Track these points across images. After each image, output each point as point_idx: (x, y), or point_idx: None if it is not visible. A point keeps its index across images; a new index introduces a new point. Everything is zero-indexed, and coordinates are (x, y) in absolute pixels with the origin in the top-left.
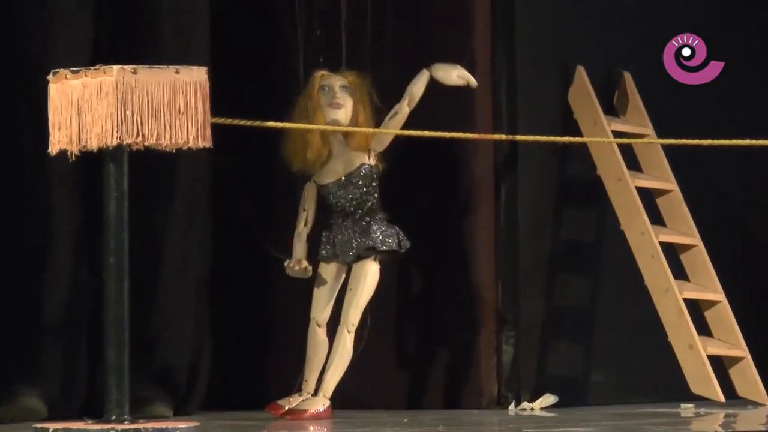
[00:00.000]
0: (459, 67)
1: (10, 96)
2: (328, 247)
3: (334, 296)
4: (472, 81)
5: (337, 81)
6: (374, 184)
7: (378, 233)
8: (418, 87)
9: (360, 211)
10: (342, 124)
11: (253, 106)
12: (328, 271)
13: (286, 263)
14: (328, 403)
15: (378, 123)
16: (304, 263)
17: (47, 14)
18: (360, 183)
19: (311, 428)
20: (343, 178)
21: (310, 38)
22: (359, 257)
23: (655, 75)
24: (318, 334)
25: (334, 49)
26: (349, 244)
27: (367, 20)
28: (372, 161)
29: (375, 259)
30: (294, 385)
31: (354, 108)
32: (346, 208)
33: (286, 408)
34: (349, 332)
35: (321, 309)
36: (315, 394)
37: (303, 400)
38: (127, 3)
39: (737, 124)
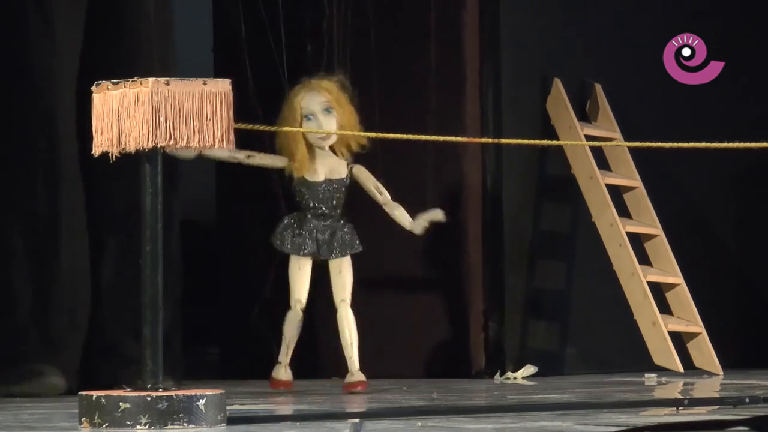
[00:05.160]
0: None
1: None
2: (312, 245)
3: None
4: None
5: (317, 105)
6: (346, 193)
7: (351, 237)
8: (396, 214)
9: (335, 214)
10: (331, 141)
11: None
12: (303, 261)
13: None
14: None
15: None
16: None
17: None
18: (337, 189)
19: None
20: (326, 181)
21: (299, 47)
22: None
23: (622, 84)
24: (300, 317)
25: (324, 60)
26: (332, 244)
27: (364, 43)
28: (349, 170)
29: None
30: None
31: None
32: (323, 210)
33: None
34: (348, 307)
35: (304, 292)
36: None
37: (351, 375)
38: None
39: (694, 126)
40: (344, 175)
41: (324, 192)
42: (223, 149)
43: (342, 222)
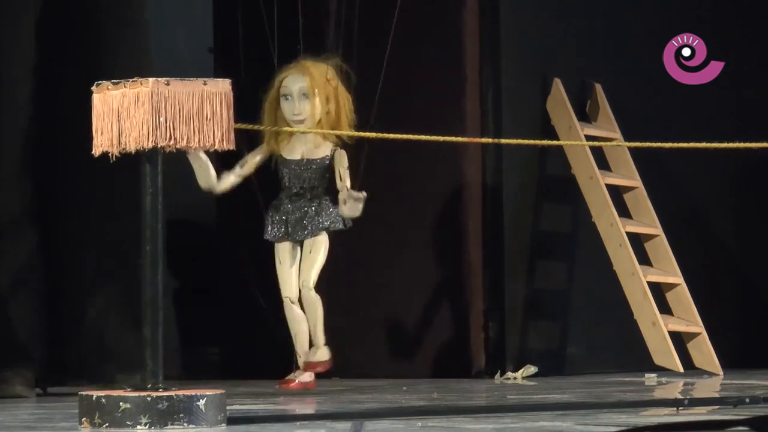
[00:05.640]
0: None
1: None
2: (282, 228)
3: (298, 271)
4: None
5: (296, 86)
6: (327, 174)
7: (329, 215)
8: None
9: (309, 194)
10: (308, 125)
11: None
12: (285, 248)
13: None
14: (328, 352)
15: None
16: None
17: None
18: (316, 169)
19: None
20: (304, 160)
21: (298, 47)
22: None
23: (622, 85)
24: (294, 310)
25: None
26: (301, 224)
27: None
28: (332, 152)
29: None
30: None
31: (317, 104)
32: (297, 189)
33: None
34: (310, 291)
35: (290, 286)
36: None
37: (315, 350)
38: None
39: (693, 126)
40: (323, 156)
41: (298, 170)
42: (230, 176)
43: (317, 201)
